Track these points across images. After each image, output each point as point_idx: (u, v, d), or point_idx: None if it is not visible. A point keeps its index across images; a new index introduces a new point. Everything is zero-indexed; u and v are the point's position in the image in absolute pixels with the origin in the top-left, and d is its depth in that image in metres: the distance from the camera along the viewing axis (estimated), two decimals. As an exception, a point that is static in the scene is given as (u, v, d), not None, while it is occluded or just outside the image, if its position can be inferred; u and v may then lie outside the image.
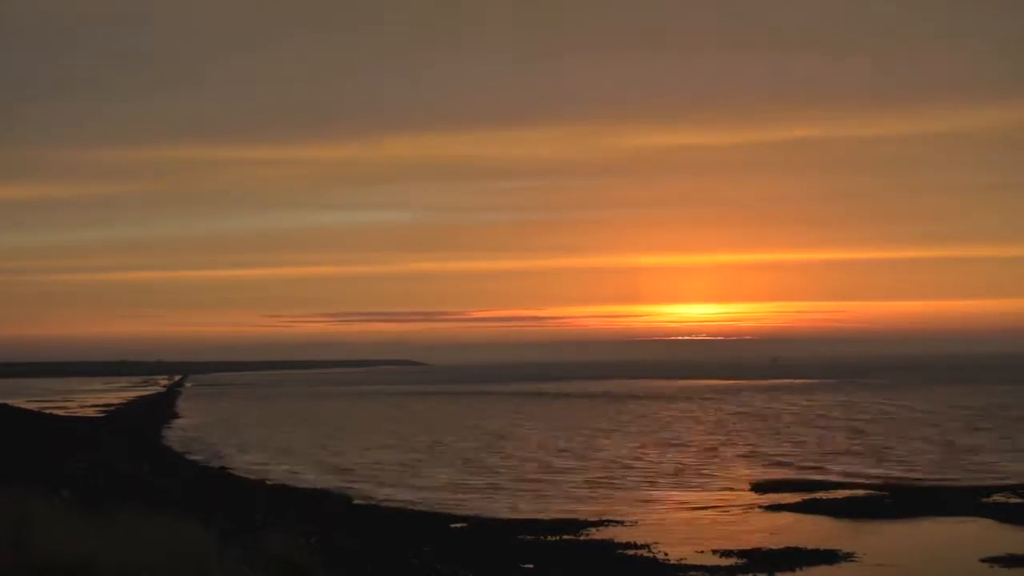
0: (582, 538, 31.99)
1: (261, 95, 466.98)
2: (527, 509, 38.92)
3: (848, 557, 28.18)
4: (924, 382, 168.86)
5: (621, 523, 34.81)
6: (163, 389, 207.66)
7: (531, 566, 26.97)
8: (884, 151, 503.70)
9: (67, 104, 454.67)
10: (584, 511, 37.80)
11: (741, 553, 29.09)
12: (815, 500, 39.29)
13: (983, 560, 27.61)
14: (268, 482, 48.60)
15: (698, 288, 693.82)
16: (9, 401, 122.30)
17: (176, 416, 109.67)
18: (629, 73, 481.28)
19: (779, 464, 53.19)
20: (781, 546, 30.05)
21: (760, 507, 38.25)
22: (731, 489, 43.75)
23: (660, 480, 47.73)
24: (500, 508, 39.35)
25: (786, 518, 35.54)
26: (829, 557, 28.21)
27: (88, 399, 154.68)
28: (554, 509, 38.70)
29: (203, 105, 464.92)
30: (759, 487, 43.77)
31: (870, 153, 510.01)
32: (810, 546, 29.84)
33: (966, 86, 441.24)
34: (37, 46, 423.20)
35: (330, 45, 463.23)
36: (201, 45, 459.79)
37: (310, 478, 50.65)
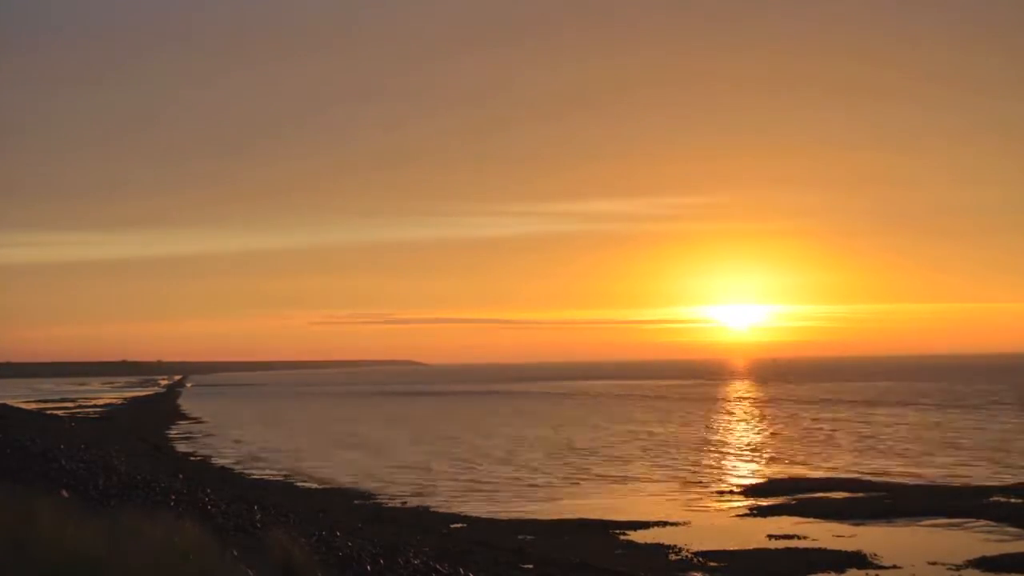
0: (582, 538, 31.95)
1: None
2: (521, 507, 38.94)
3: (849, 558, 28.08)
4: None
5: (622, 523, 34.74)
6: (163, 389, 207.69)
7: (531, 566, 26.96)
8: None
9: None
10: (585, 511, 37.78)
11: (741, 554, 29.06)
12: (815, 501, 39.26)
13: (983, 561, 27.56)
14: (269, 481, 48.65)
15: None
16: (9, 401, 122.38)
17: (177, 416, 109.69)
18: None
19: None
20: (782, 547, 30.05)
21: (760, 508, 38.19)
22: (732, 491, 43.71)
23: (660, 480, 47.72)
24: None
25: (786, 519, 35.47)
26: (830, 558, 28.12)
27: (88, 399, 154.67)
28: (554, 509, 38.69)
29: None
30: (759, 488, 43.75)
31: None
32: (811, 547, 29.83)
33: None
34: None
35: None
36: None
37: (310, 477, 50.67)
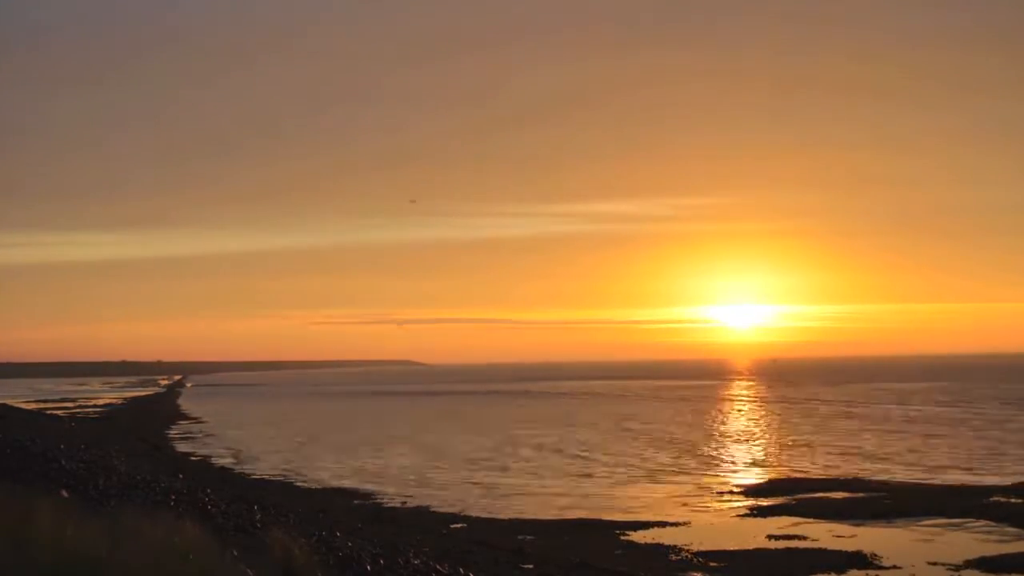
0: (582, 538, 31.95)
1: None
2: (527, 508, 38.92)
3: (849, 558, 28.07)
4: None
5: (621, 524, 34.75)
6: (163, 389, 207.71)
7: (531, 566, 26.96)
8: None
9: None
10: (584, 511, 37.78)
11: (741, 554, 29.05)
12: (815, 501, 39.23)
13: (983, 561, 27.56)
14: (269, 481, 48.63)
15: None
16: (9, 401, 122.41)
17: (177, 416, 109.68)
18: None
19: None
20: (782, 547, 30.04)
21: (761, 508, 38.18)
22: (731, 491, 43.69)
23: (660, 480, 47.71)
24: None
25: (786, 519, 35.47)
26: (830, 558, 28.12)
27: (88, 399, 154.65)
28: (554, 509, 38.69)
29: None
30: (759, 488, 43.73)
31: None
32: (811, 547, 29.82)
33: None
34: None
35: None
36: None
37: (310, 477, 50.67)
